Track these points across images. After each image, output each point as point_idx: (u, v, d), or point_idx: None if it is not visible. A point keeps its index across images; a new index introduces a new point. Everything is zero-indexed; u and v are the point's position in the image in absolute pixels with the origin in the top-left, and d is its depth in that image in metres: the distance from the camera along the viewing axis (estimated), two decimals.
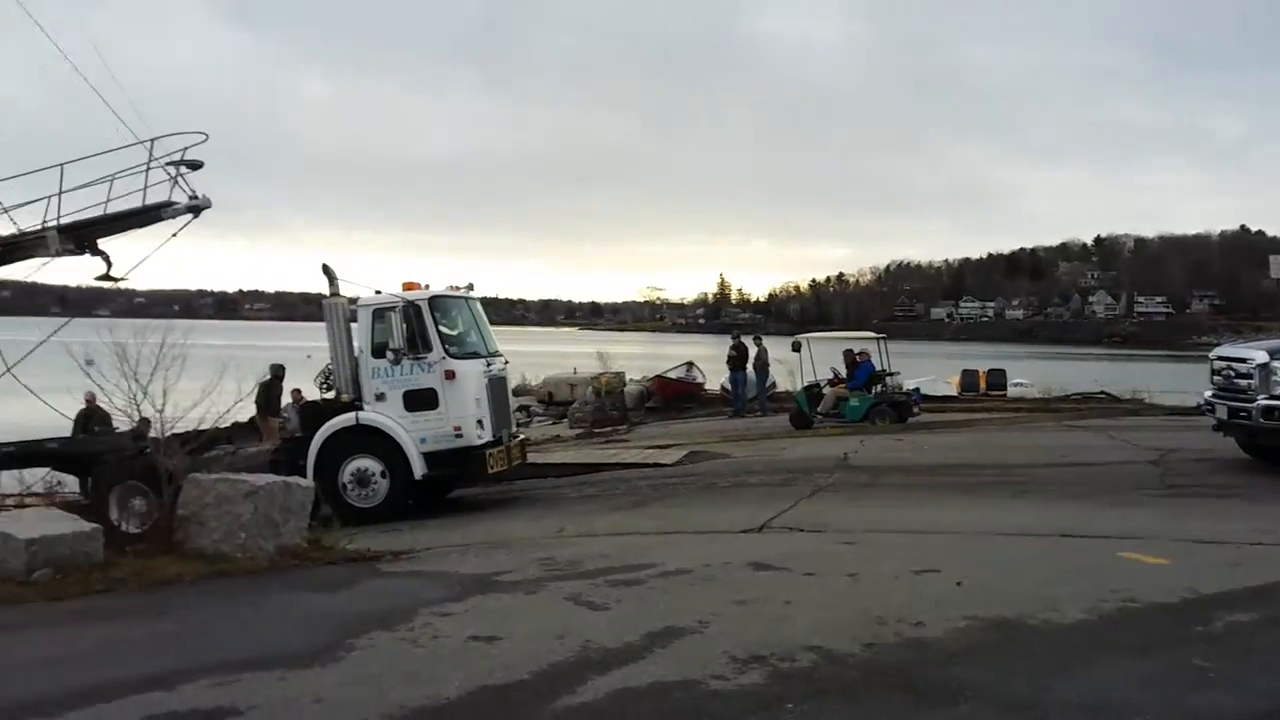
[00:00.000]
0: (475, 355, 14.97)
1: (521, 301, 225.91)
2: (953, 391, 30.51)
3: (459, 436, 14.19)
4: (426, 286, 14.99)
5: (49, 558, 7.77)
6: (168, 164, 15.64)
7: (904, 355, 28.79)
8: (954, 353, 75.17)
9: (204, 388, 10.77)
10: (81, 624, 6.77)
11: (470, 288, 16.30)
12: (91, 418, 17.46)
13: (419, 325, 14.32)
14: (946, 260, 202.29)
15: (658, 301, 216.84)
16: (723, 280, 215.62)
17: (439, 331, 14.44)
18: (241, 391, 12.05)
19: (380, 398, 14.34)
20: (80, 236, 16.02)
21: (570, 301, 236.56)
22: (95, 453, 14.61)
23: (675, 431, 23.23)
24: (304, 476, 14.03)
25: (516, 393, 33.66)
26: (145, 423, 13.87)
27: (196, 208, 15.98)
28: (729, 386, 27.53)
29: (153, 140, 15.53)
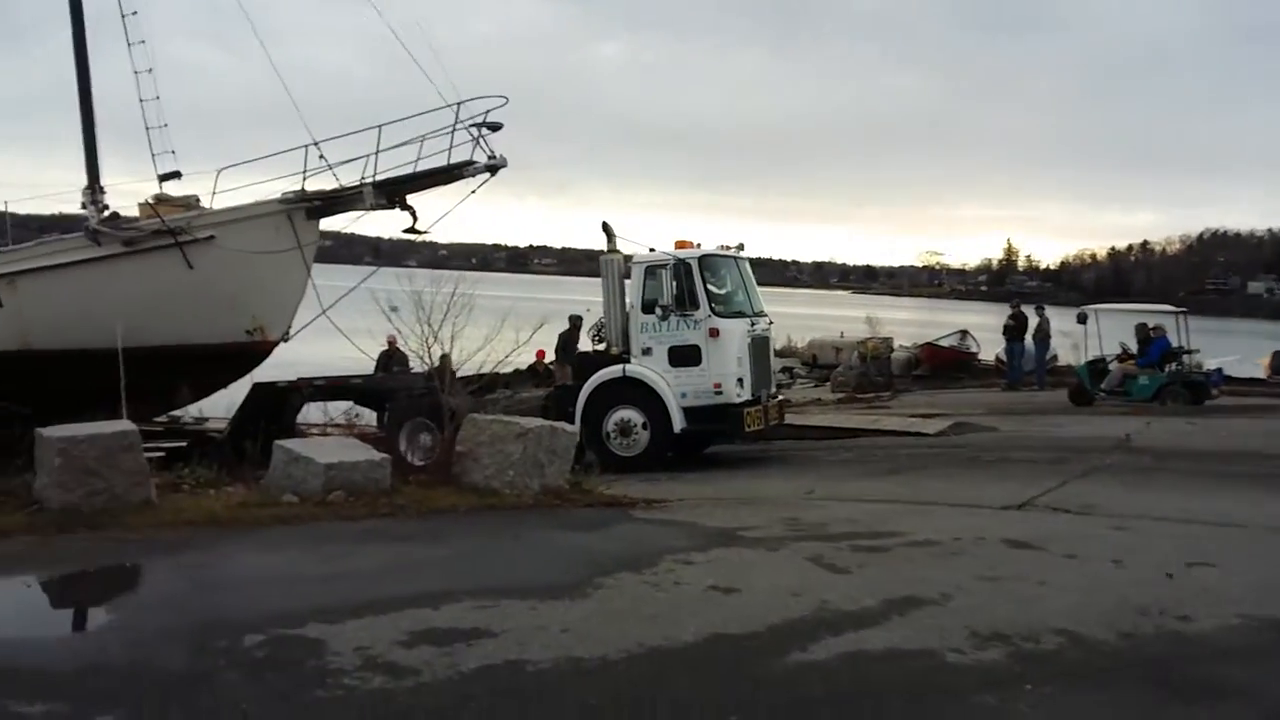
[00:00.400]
0: (740, 315, 15.12)
1: (794, 263, 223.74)
2: (1262, 374, 27.69)
3: (719, 393, 14.42)
4: (698, 245, 15.26)
5: (343, 482, 8.62)
6: (471, 125, 16.77)
7: (1210, 332, 26.55)
8: (1269, 331, 68.05)
9: (486, 335, 11.48)
10: (366, 543, 7.49)
11: (740, 248, 16.43)
12: (392, 358, 18.95)
13: (688, 283, 14.61)
14: (1270, 229, 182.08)
15: (936, 266, 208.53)
16: (1009, 246, 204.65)
17: (707, 290, 14.68)
18: (519, 340, 12.76)
19: (647, 352, 14.78)
20: (391, 192, 17.50)
21: (844, 264, 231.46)
22: (390, 390, 15.93)
23: (942, 401, 22.49)
24: (572, 423, 14.83)
25: (781, 354, 33.70)
26: (446, 359, 15.06)
27: (494, 167, 17.07)
28: (1004, 357, 26.29)
29: (459, 104, 16.68)
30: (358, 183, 17.30)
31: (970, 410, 19.93)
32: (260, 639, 5.34)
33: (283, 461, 8.91)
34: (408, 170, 17.29)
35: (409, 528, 8.01)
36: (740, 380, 14.59)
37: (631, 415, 14.64)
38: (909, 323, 54.35)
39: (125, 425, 8.19)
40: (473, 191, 17.06)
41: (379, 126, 16.73)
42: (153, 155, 19.92)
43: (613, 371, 14.86)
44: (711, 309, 14.54)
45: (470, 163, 16.77)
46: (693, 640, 5.52)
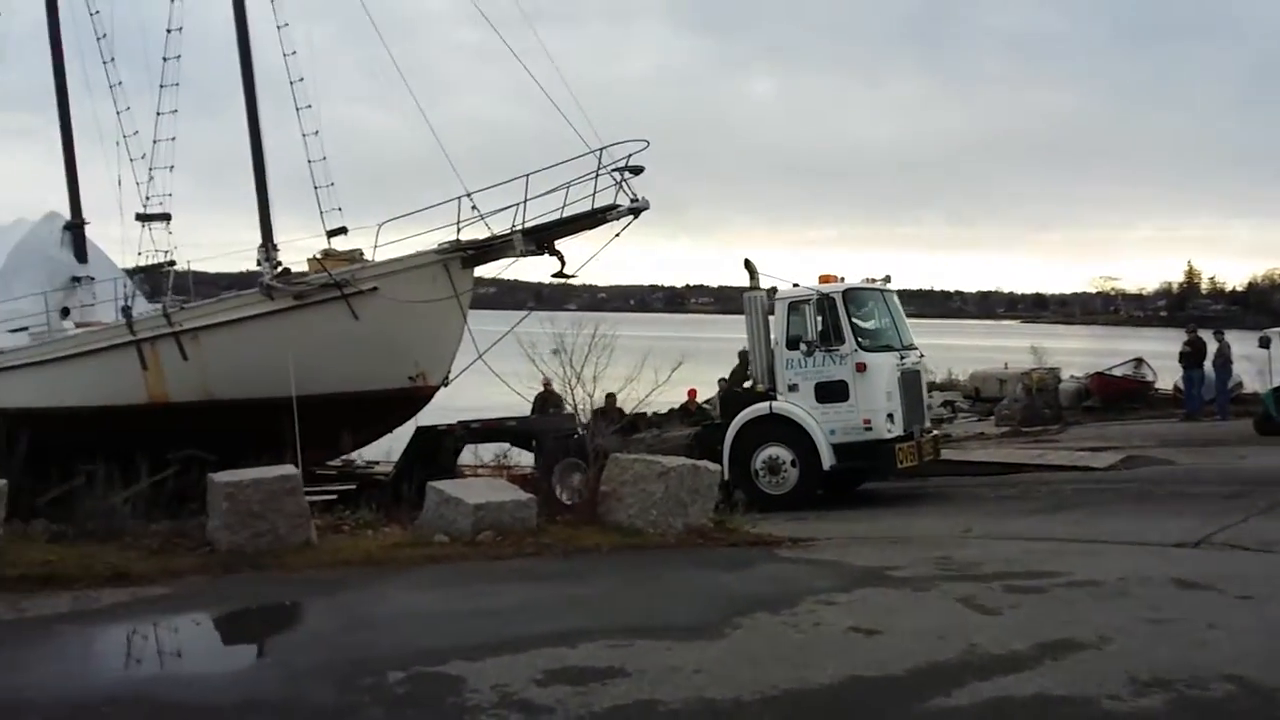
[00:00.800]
0: (888, 348, 14.83)
1: (958, 294, 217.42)
2: None
3: (868, 429, 14.14)
4: (841, 279, 15.08)
5: (491, 522, 8.82)
6: (613, 170, 17.11)
7: None
8: None
9: (627, 375, 11.61)
10: (510, 582, 7.62)
11: (887, 280, 16.17)
12: (548, 400, 19.35)
13: (832, 317, 14.44)
14: None
15: (1111, 292, 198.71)
16: (1190, 267, 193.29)
17: (852, 324, 14.47)
18: (657, 379, 12.86)
19: (793, 388, 14.64)
20: (540, 238, 17.97)
21: (1011, 293, 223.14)
22: (542, 431, 16.27)
23: (1113, 434, 21.41)
24: (718, 461, 14.80)
25: (942, 388, 32.83)
26: (611, 398, 15.31)
27: (636, 209, 17.33)
28: (1182, 386, 24.84)
29: (601, 149, 17.06)
30: (508, 231, 17.82)
31: (1144, 443, 18.94)
32: (402, 675, 5.49)
33: (435, 503, 9.19)
34: (555, 216, 17.73)
35: (552, 567, 8.12)
36: (890, 415, 14.28)
37: (780, 453, 14.49)
38: (1080, 352, 51.98)
39: (287, 470, 8.62)
40: (617, 235, 17.36)
41: (526, 176, 17.23)
42: (321, 212, 21.13)
43: (759, 409, 14.77)
44: (858, 343, 14.31)
45: (614, 206, 17.08)
46: (829, 683, 5.39)
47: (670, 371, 13.26)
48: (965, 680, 5.39)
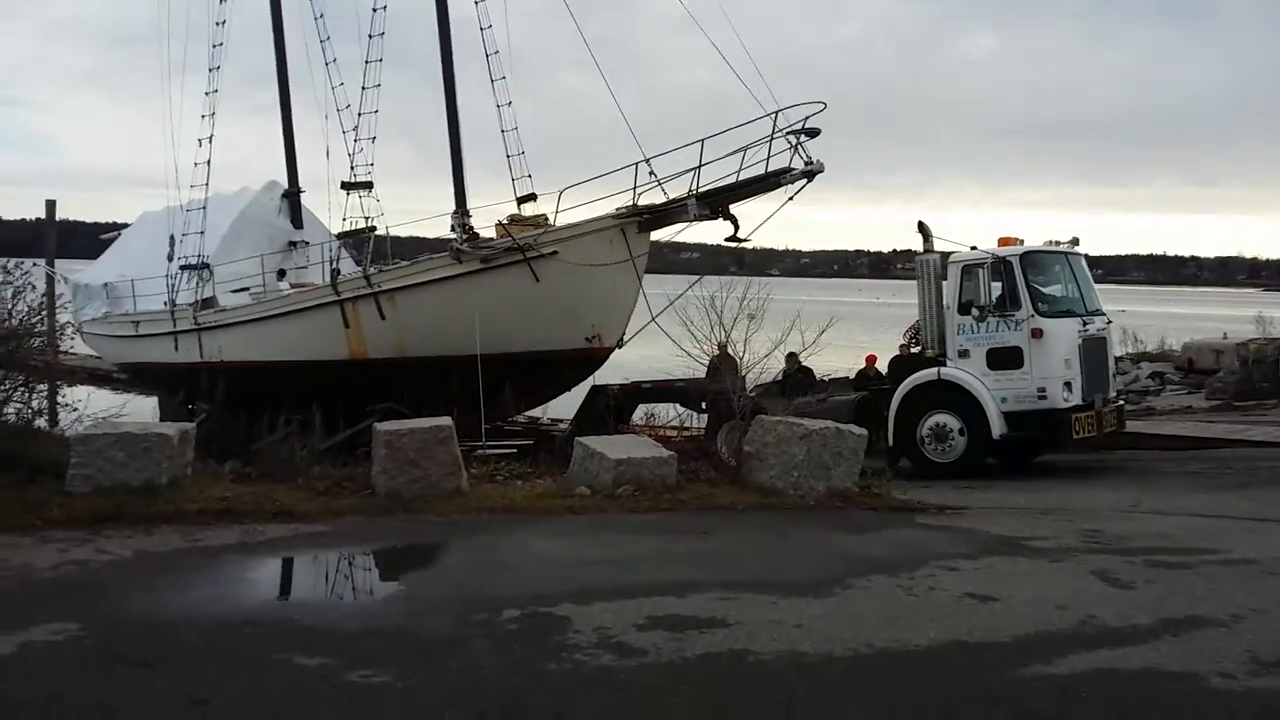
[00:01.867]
0: (1069, 314, 14.18)
1: (1194, 259, 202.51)
2: None
3: (1043, 398, 13.59)
4: (1021, 242, 14.50)
5: (631, 477, 9.08)
6: (788, 133, 16.95)
7: None
8: None
9: (775, 338, 11.62)
10: (639, 534, 7.87)
11: (1075, 242, 15.42)
12: (724, 363, 19.52)
13: (1008, 282, 13.93)
14: None
15: None
16: None
17: (1029, 288, 13.90)
18: (804, 342, 12.80)
19: (964, 354, 14.23)
20: (714, 203, 17.99)
21: (1255, 259, 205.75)
22: (711, 392, 16.44)
23: None
24: (885, 427, 14.58)
25: (1152, 358, 30.93)
26: (792, 358, 15.43)
27: (811, 173, 17.09)
28: None
29: (776, 112, 16.92)
30: (683, 196, 17.97)
31: None
32: (516, 614, 5.82)
33: (581, 457, 9.53)
34: (730, 180, 17.73)
35: (683, 522, 8.30)
36: (1068, 384, 13.66)
37: (947, 420, 14.12)
38: None
39: (442, 421, 9.12)
40: (791, 198, 17.16)
41: (701, 140, 17.30)
42: (512, 179, 21.95)
43: (927, 374, 14.43)
44: (1035, 308, 13.74)
45: (787, 170, 16.87)
46: (926, 645, 5.37)
47: (819, 334, 13.13)
48: (1071, 650, 5.27)
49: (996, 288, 14.06)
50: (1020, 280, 13.87)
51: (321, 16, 24.34)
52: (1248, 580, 6.59)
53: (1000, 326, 13.94)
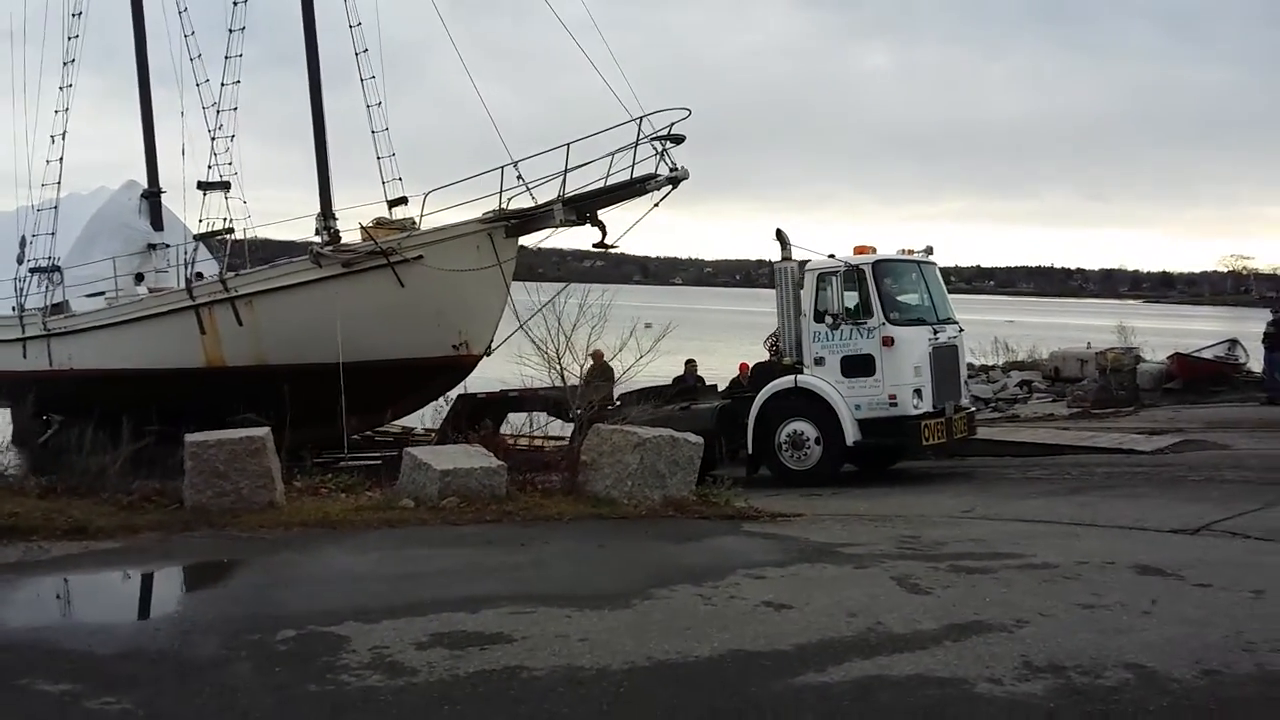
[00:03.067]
0: (920, 322, 14.40)
1: (1079, 271, 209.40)
2: None
3: (894, 405, 13.77)
4: (873, 250, 14.70)
5: (458, 488, 8.85)
6: (654, 139, 16.93)
7: None
8: None
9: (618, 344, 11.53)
10: (450, 547, 7.65)
11: (929, 251, 15.70)
12: (595, 371, 19.39)
13: (861, 290, 14.09)
14: None
15: (1243, 272, 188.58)
16: None
17: (881, 296, 14.07)
18: (640, 349, 12.81)
19: (819, 362, 14.34)
20: (581, 209, 17.89)
21: (1136, 271, 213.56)
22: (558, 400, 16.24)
23: (1187, 417, 20.41)
24: (744, 435, 14.62)
25: (1021, 366, 31.81)
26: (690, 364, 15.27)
27: (675, 179, 17.11)
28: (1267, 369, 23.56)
29: (640, 118, 16.89)
30: (549, 201, 17.81)
31: (1214, 427, 18.02)
32: (292, 634, 5.56)
33: (409, 468, 9.27)
34: (596, 185, 17.63)
35: (504, 533, 8.10)
36: (918, 391, 13.87)
37: (804, 427, 14.22)
38: (1197, 334, 49.65)
39: (255, 432, 8.78)
40: (656, 204, 17.16)
41: (567, 145, 17.18)
42: (383, 182, 21.55)
43: (785, 382, 14.52)
44: (886, 316, 13.92)
45: (652, 176, 16.88)
46: (707, 655, 5.28)
47: (655, 341, 13.12)
48: (848, 658, 5.23)
49: (851, 296, 14.23)
50: (873, 288, 14.03)
51: (185, 10, 23.57)
52: (1042, 585, 6.66)
53: (854, 334, 14.09)
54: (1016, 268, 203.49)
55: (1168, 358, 27.09)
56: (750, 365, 21.23)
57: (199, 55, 23.20)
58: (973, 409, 16.12)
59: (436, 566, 7.11)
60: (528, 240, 19.13)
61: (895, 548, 7.83)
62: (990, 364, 31.59)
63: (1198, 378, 25.59)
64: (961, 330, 15.49)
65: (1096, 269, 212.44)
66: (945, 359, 14.58)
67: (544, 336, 11.86)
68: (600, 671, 5.05)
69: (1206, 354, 27.85)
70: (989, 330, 38.45)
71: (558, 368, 17.72)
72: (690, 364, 19.42)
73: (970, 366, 30.81)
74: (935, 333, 14.43)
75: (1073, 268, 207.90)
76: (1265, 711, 4.63)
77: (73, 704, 4.61)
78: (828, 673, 5.03)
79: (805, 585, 6.66)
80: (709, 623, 5.82)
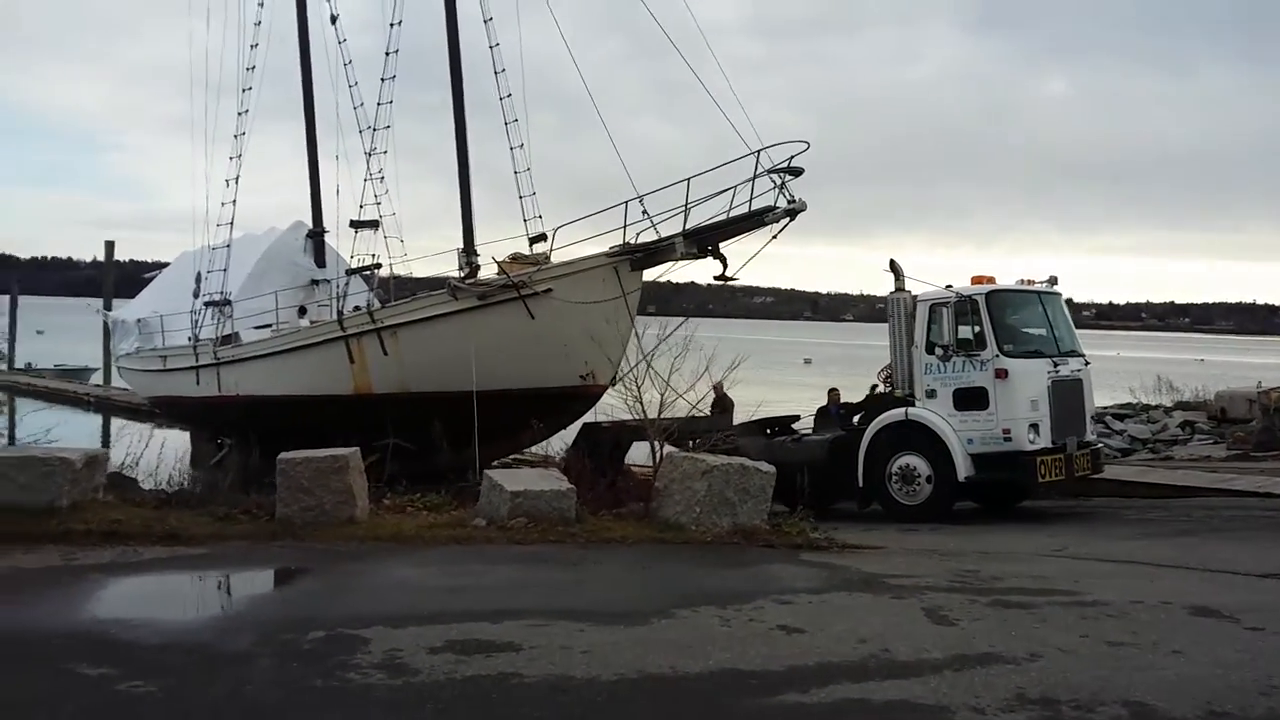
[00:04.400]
0: (1038, 354, 13.96)
1: (1277, 308, 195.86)
2: None
3: (1008, 439, 13.37)
4: (991, 280, 14.38)
5: (528, 509, 9.18)
6: (772, 173, 17.09)
7: None
8: None
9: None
10: (506, 564, 7.95)
11: (1053, 281, 15.24)
12: (720, 403, 19.55)
13: (974, 321, 13.80)
14: None
15: None
16: None
17: (995, 328, 13.73)
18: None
19: (931, 394, 14.09)
20: (701, 242, 18.17)
21: None
22: (698, 431, 16.41)
23: None
24: (855, 467, 14.46)
25: (1188, 407, 30.03)
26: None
27: (793, 211, 17.20)
28: None
29: (759, 151, 17.08)
30: (673, 234, 18.15)
31: None
32: (321, 635, 5.97)
33: (486, 489, 9.68)
34: (720, 218, 17.87)
35: (561, 553, 8.37)
36: (1034, 425, 13.43)
37: (915, 462, 13.95)
38: None
39: (339, 451, 9.35)
40: (774, 236, 17.27)
41: (688, 179, 17.50)
42: (524, 220, 22.45)
43: (895, 415, 14.31)
44: (1000, 348, 13.56)
45: (771, 208, 16.98)
46: (698, 672, 5.40)
47: (726, 371, 13.23)
48: (835, 681, 5.27)
49: (965, 328, 13.94)
50: (986, 319, 13.71)
51: (350, 63, 25.18)
52: (1078, 622, 6.45)
53: (966, 366, 13.79)
54: (1214, 304, 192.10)
55: None
56: (839, 391, 20.89)
57: (361, 104, 24.77)
58: (1099, 446, 15.44)
59: (483, 581, 7.44)
60: (652, 273, 19.48)
61: (947, 581, 7.70)
62: (1153, 404, 29.97)
63: None
64: (1088, 364, 14.91)
65: None
66: (1067, 393, 14.06)
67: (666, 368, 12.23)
68: (589, 681, 5.24)
69: None
70: (1177, 370, 36.71)
71: (669, 398, 18.13)
72: (833, 393, 19.30)
73: (1130, 406, 29.63)
74: (1055, 365, 13.96)
75: (1277, 304, 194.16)
76: None
77: (105, 685, 5.12)
78: (810, 694, 5.07)
79: (830, 612, 6.67)
80: (715, 642, 5.92)
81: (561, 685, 5.19)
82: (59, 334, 58.73)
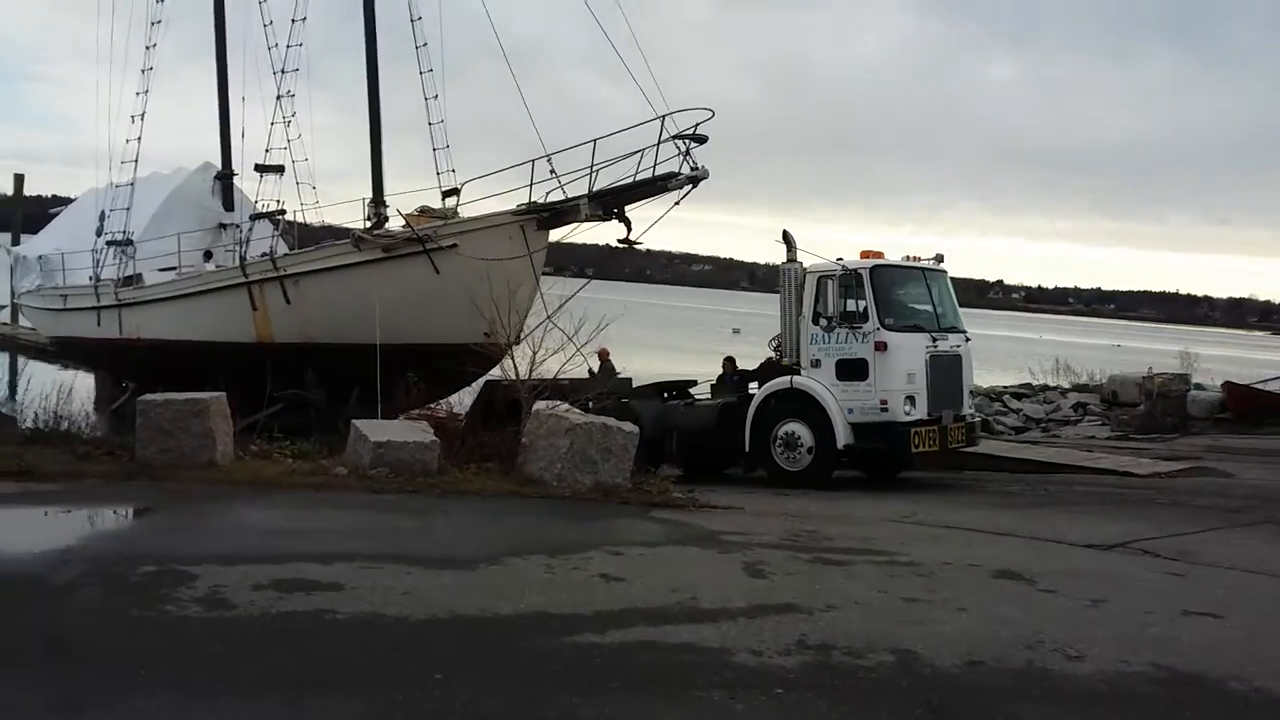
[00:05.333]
0: (917, 329, 14.40)
1: (1206, 299, 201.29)
2: None
3: (884, 410, 13.80)
4: (879, 255, 14.76)
5: (390, 460, 9.37)
6: (675, 139, 17.28)
7: None
8: None
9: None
10: (351, 510, 8.17)
11: (939, 259, 15.67)
12: (603, 367, 19.75)
13: (858, 294, 14.19)
14: None
15: None
16: None
17: (877, 302, 14.13)
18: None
19: (816, 364, 14.45)
20: (606, 204, 18.32)
21: (1268, 303, 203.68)
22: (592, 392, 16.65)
23: (1224, 447, 19.79)
24: (741, 433, 14.83)
25: (1080, 389, 31.04)
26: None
27: (695, 178, 17.45)
28: None
29: (663, 116, 17.25)
30: (577, 195, 18.27)
31: (1246, 458, 17.49)
32: (151, 569, 6.13)
33: (352, 438, 9.83)
34: (625, 182, 18.02)
35: (414, 502, 8.59)
36: (910, 398, 13.87)
37: (798, 429, 14.33)
38: None
39: (200, 395, 9.40)
40: (676, 203, 17.50)
41: (594, 140, 17.62)
42: (437, 173, 22.36)
43: (781, 383, 14.67)
44: (882, 322, 13.97)
45: (674, 174, 17.21)
46: (507, 614, 5.67)
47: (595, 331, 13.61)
48: (633, 624, 5.58)
49: (850, 300, 14.33)
50: (870, 293, 14.10)
51: (265, 1, 24.71)
52: (885, 579, 6.84)
53: (849, 338, 14.17)
54: (1139, 292, 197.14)
55: (1221, 386, 26.21)
56: (734, 360, 21.30)
57: (275, 45, 24.35)
58: (975, 420, 15.99)
59: (327, 525, 7.63)
60: (558, 233, 19.60)
61: (779, 539, 8.08)
62: (1051, 385, 30.93)
63: (1254, 408, 24.69)
64: (968, 340, 15.39)
65: (1224, 298, 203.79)
66: (945, 368, 14.52)
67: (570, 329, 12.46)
68: (398, 619, 5.48)
69: (1272, 385, 26.83)
70: (1092, 355, 37.78)
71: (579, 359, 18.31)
72: (729, 361, 19.60)
73: (1029, 387, 30.55)
74: (935, 341, 14.41)
75: (1199, 295, 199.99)
76: (988, 699, 4.76)
77: None
78: (606, 635, 5.38)
79: (654, 564, 6.98)
80: (533, 588, 6.20)
81: (372, 623, 5.42)
82: None
